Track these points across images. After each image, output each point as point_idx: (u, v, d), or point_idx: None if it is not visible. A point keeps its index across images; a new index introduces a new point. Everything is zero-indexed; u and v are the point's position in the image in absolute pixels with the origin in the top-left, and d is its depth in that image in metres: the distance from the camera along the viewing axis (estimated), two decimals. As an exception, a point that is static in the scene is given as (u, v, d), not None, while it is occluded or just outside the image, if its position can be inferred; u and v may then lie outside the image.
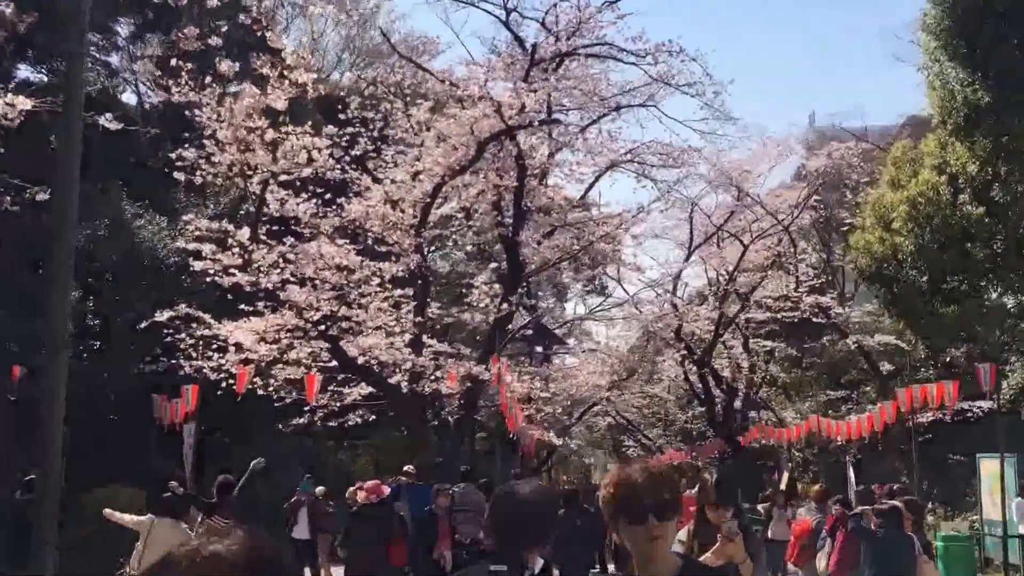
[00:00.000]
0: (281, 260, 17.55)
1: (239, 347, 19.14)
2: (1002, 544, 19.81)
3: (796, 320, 33.85)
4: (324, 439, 31.31)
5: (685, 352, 33.18)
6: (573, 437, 43.66)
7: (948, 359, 28.82)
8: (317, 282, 17.75)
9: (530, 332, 23.20)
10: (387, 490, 14.58)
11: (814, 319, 33.67)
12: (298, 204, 17.95)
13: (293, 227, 18.71)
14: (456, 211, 23.57)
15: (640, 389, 43.38)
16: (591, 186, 27.52)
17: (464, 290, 27.37)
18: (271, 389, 20.70)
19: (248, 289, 17.61)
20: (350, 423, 22.88)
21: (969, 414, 26.66)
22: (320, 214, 18.57)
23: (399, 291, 19.37)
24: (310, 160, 17.35)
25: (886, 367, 33.34)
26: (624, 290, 36.74)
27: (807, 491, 25.50)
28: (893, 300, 23.76)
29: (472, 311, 24.46)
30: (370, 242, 20.59)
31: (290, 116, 18.18)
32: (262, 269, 17.26)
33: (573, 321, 38.04)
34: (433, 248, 37.63)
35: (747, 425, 36.82)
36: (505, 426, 24.10)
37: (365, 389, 21.69)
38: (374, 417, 23.27)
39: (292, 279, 17.48)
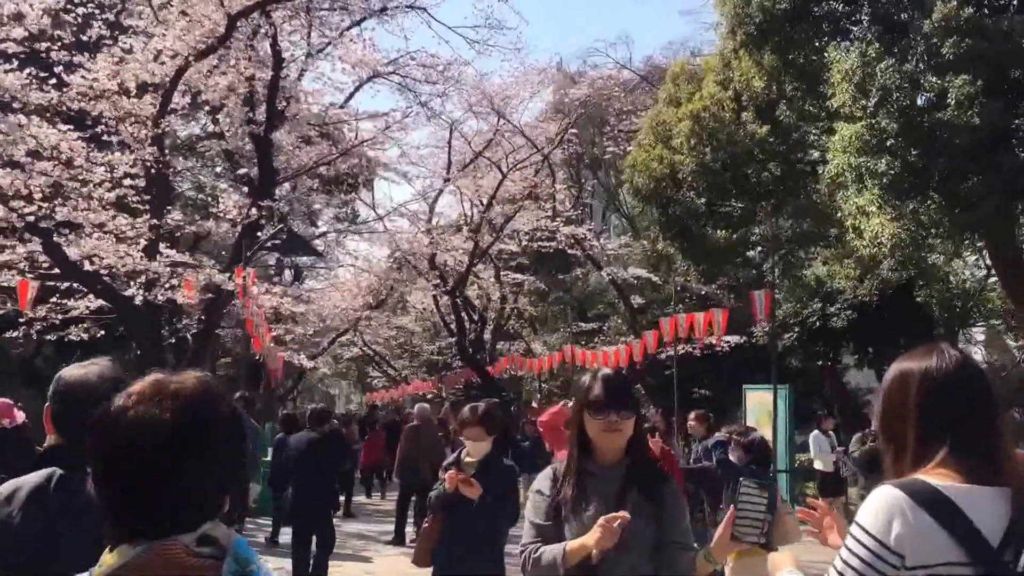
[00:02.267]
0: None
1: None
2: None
3: (551, 251, 32.16)
4: (57, 360, 27.23)
5: (439, 281, 30.70)
6: (319, 366, 40.73)
7: (704, 292, 27.43)
8: (28, 167, 14.01)
9: (281, 241, 19.92)
10: (20, 416, 9.79)
11: (569, 251, 31.91)
12: (5, 72, 14.00)
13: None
14: (204, 114, 20.07)
15: (388, 320, 41.51)
16: (351, 96, 24.47)
17: (211, 200, 23.94)
18: (-22, 299, 16.96)
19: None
20: (71, 338, 19.15)
21: (718, 349, 25.42)
22: (33, 86, 14.63)
23: (129, 181, 15.72)
24: (19, 17, 13.56)
25: (637, 300, 31.91)
26: (377, 215, 33.75)
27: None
28: (668, 222, 21.71)
29: (218, 221, 21.00)
30: (100, 132, 16.83)
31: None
32: (-43, 148, 13.47)
33: (326, 234, 34.47)
34: (180, 170, 33.69)
35: (496, 356, 35.00)
36: (251, 350, 21.02)
37: (95, 302, 18.15)
38: (103, 333, 19.59)
39: (-5, 162, 13.78)
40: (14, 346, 21.99)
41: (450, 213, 37.85)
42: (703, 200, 20.25)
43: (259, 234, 18.76)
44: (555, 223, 31.02)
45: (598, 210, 43.54)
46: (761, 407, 19.38)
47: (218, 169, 29.38)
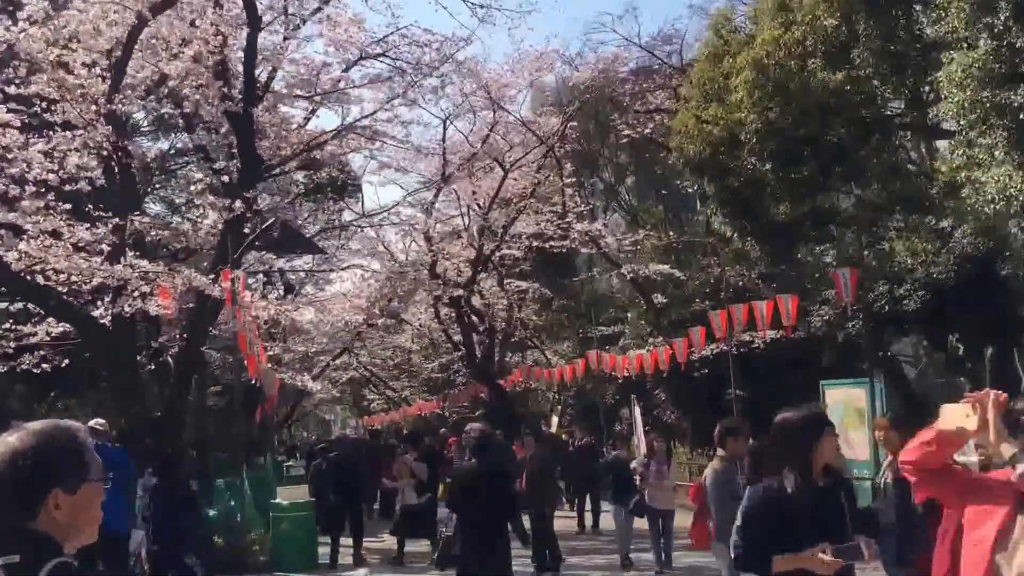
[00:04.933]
0: None
1: None
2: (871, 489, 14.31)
3: (554, 255, 28.61)
4: (30, 399, 23.27)
5: (440, 291, 26.97)
6: (318, 389, 36.91)
7: (741, 283, 23.59)
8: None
9: (274, 239, 16.17)
10: None
11: (583, 249, 28.23)
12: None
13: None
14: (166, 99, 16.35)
15: (383, 340, 38.36)
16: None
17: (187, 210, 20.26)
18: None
19: None
20: (23, 367, 15.27)
21: (754, 346, 21.69)
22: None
23: (76, 162, 11.96)
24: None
25: (659, 299, 28.11)
26: (369, 223, 29.87)
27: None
28: (727, 196, 17.87)
29: (196, 226, 17.24)
30: (38, 112, 13.11)
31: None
32: None
33: (320, 233, 30.22)
34: (156, 187, 29.84)
35: (507, 369, 31.36)
36: (243, 375, 17.26)
37: (57, 326, 14.42)
38: (68, 363, 15.77)
39: None
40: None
41: (444, 219, 34.03)
42: (768, 167, 16.44)
43: (246, 232, 15.01)
44: (566, 221, 27.29)
45: (598, 210, 39.96)
46: (847, 406, 15.34)
47: (196, 180, 25.33)
